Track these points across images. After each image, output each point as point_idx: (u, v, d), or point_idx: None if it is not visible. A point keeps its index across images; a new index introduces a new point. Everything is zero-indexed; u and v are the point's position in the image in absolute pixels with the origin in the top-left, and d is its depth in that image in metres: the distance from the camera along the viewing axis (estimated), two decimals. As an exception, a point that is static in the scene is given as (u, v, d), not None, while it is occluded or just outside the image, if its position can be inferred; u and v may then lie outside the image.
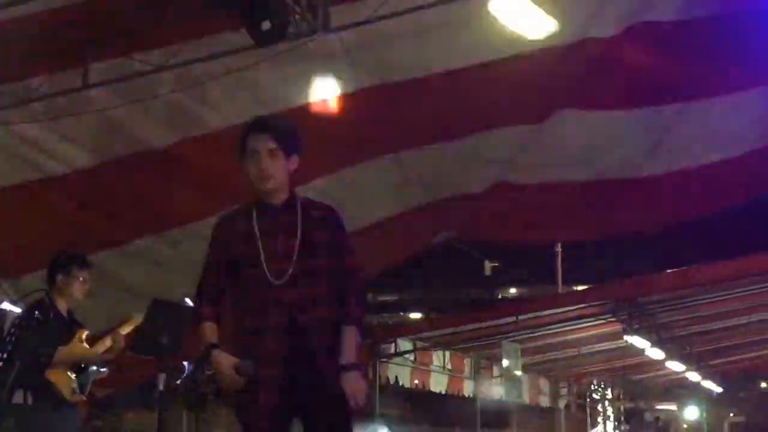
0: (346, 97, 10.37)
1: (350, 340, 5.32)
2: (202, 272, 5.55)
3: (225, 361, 5.25)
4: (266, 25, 8.23)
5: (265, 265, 5.30)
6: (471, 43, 9.87)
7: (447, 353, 21.34)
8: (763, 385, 41.70)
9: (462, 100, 10.49)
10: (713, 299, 19.18)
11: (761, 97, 10.74)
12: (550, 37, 9.54)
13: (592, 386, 30.34)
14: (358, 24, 9.06)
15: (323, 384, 5.24)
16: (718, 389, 36.16)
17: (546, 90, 10.57)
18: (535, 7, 8.94)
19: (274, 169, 5.39)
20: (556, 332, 20.63)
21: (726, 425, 40.14)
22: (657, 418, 37.24)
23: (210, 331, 5.40)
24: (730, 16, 9.49)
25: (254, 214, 5.45)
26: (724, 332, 23.93)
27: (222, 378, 5.29)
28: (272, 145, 5.40)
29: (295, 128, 5.64)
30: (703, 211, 13.47)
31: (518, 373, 21.45)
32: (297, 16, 8.54)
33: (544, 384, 27.13)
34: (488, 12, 9.07)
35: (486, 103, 10.63)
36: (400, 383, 20.37)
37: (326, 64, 10.01)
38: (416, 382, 21.21)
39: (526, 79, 10.20)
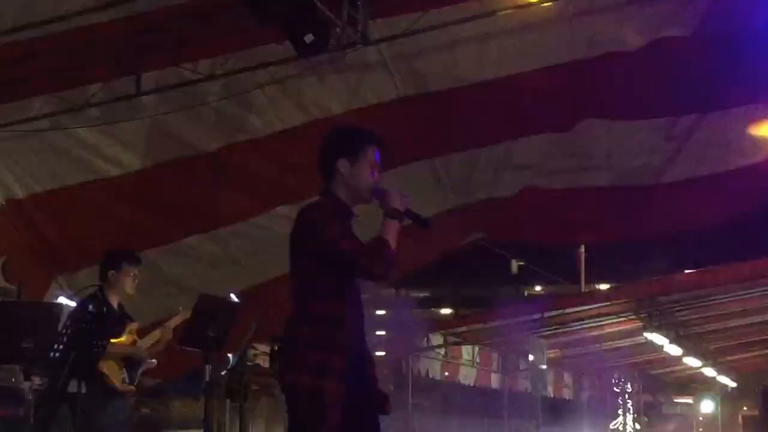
0: (383, 106, 10.35)
1: None
2: (353, 238, 5.03)
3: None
4: (309, 37, 8.21)
5: None
6: (503, 55, 9.84)
7: (476, 348, 21.28)
8: (776, 380, 41.37)
9: (493, 109, 10.46)
10: (730, 298, 19.10)
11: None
12: (577, 51, 9.52)
13: (613, 380, 30.19)
14: (396, 37, 9.04)
15: None
16: (733, 384, 35.93)
17: (573, 100, 10.53)
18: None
19: None
20: (580, 329, 20.56)
21: (739, 418, 39.82)
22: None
23: None
24: (746, 33, 9.42)
25: (340, 217, 5.14)
26: (739, 330, 23.84)
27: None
28: None
29: None
30: (720, 216, 13.37)
31: (543, 367, 21.35)
32: (338, 30, 8.52)
33: (567, 378, 27.03)
34: (519, 25, 9.07)
35: (516, 112, 10.59)
36: (431, 376, 20.32)
37: (365, 74, 10.00)
38: (446, 374, 21.15)
39: (555, 90, 10.16)
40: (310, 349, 4.91)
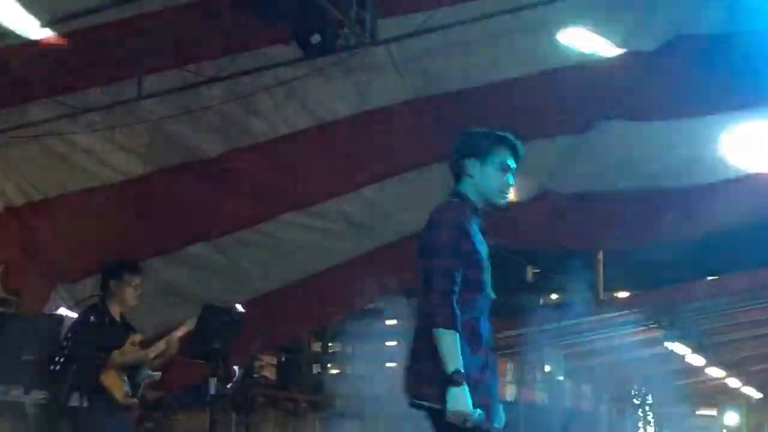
0: (392, 108, 10.37)
1: None
2: (451, 260, 4.94)
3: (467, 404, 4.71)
4: (315, 38, 8.24)
5: (488, 273, 5.14)
6: (515, 55, 9.85)
7: (490, 358, 21.28)
8: (804, 390, 41.19)
9: (506, 110, 10.45)
10: (753, 306, 19.04)
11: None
12: (593, 50, 9.52)
13: (633, 391, 30.14)
14: (405, 37, 9.05)
15: None
16: (758, 395, 35.82)
17: (589, 101, 10.51)
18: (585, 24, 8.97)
19: None
20: (598, 338, 20.53)
21: (766, 430, 39.72)
22: None
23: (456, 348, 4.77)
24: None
25: (473, 218, 5.17)
26: (765, 339, 23.75)
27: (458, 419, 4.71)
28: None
29: None
30: (745, 221, 13.34)
31: (560, 377, 21.35)
32: (345, 30, 8.54)
33: (585, 389, 26.98)
34: (533, 25, 9.09)
35: (530, 114, 10.58)
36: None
37: (373, 75, 10.01)
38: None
39: (570, 90, 10.16)
40: None
